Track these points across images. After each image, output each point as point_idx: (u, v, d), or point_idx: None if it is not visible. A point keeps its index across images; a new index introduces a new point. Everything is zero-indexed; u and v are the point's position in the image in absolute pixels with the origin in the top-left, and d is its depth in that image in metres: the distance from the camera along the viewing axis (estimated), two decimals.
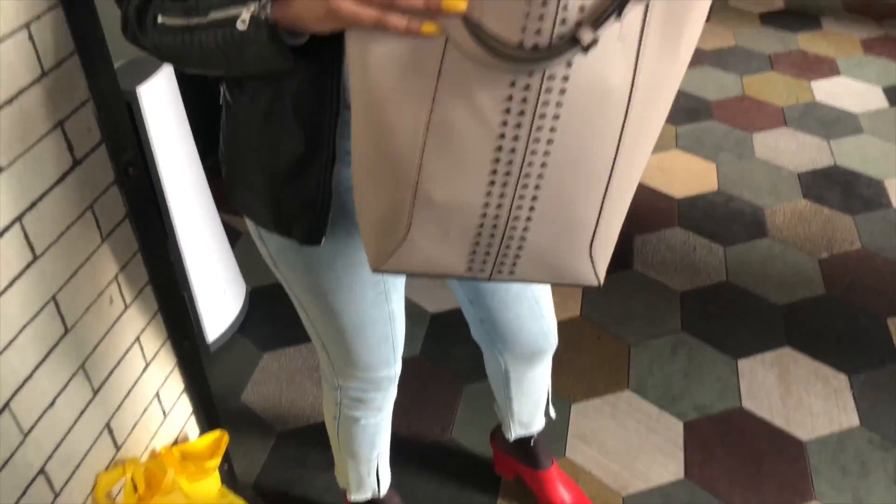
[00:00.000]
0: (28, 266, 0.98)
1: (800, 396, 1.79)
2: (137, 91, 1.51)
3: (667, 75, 0.66)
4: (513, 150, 0.67)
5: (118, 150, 1.11)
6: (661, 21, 0.62)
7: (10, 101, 0.91)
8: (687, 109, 2.93)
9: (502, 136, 0.66)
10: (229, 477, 1.57)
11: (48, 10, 0.95)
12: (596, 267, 0.78)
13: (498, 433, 1.56)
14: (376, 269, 0.78)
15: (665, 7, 0.62)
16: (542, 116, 0.65)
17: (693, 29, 0.64)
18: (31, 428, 1.03)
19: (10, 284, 0.96)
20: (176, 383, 1.40)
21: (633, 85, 0.64)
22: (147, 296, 1.26)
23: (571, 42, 0.60)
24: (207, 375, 1.47)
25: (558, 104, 0.64)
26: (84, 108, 1.04)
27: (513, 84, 0.63)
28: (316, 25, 0.65)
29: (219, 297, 1.90)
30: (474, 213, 0.71)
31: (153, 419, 1.34)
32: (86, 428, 1.15)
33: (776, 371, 1.85)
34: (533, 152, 0.67)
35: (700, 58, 3.30)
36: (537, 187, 0.69)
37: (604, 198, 0.72)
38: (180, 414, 1.43)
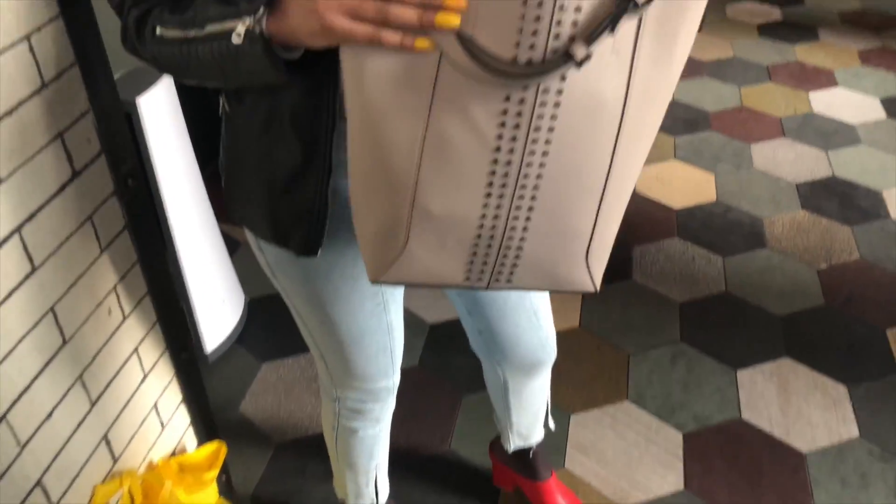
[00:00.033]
0: (27, 277, 0.98)
1: (799, 407, 1.79)
2: (137, 102, 1.51)
3: (661, 84, 0.67)
4: (508, 163, 0.67)
5: (118, 161, 1.11)
6: (654, 32, 0.63)
7: (9, 113, 0.92)
8: (685, 120, 2.94)
9: (498, 149, 0.66)
10: (227, 488, 1.56)
11: (49, 21, 0.95)
12: (592, 274, 0.78)
13: (497, 444, 1.56)
14: (375, 280, 0.78)
15: (658, 17, 0.62)
16: (538, 129, 0.65)
17: (686, 38, 0.65)
18: (29, 440, 1.03)
19: (9, 296, 0.96)
20: (174, 394, 1.39)
21: (627, 95, 0.65)
22: (146, 306, 1.26)
23: (565, 57, 0.60)
24: (206, 386, 1.46)
25: (553, 117, 0.64)
26: (84, 120, 1.05)
27: (507, 98, 0.63)
28: (310, 40, 0.66)
29: (217, 308, 1.90)
30: (471, 224, 0.72)
31: (151, 430, 1.33)
32: (83, 439, 1.15)
33: (775, 382, 1.85)
34: (528, 164, 0.67)
35: (698, 69, 3.31)
36: (533, 198, 0.70)
37: (599, 206, 0.72)
38: (178, 425, 1.43)
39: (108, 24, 0.95)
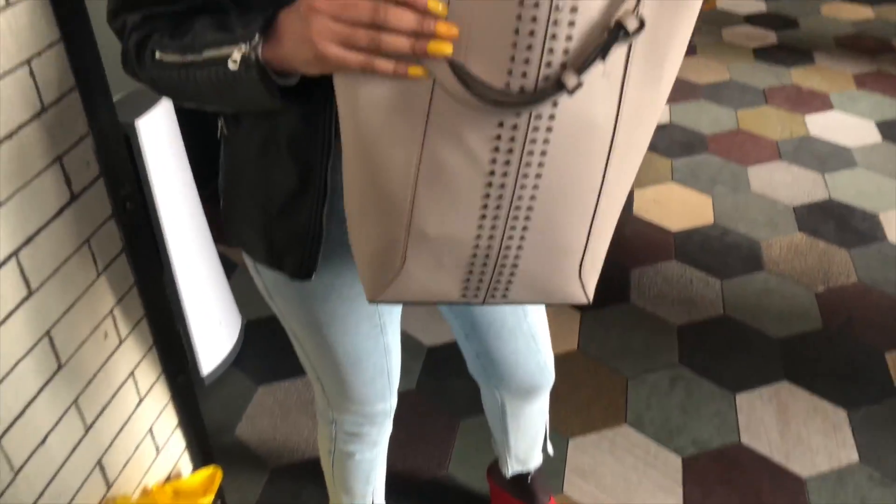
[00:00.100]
0: (23, 301, 0.98)
1: (799, 432, 1.78)
2: (136, 124, 1.52)
3: (650, 104, 0.68)
4: (502, 186, 0.68)
5: (116, 184, 1.12)
6: (643, 55, 0.63)
7: (9, 136, 0.92)
8: (682, 143, 2.96)
9: (492, 172, 0.67)
10: None
11: (49, 46, 0.96)
12: (585, 287, 0.80)
13: (495, 469, 1.54)
14: (373, 300, 0.78)
15: (648, 41, 0.63)
16: (531, 153, 0.66)
17: (675, 59, 0.66)
18: (22, 465, 1.02)
19: (5, 320, 0.95)
20: (170, 418, 1.38)
21: (617, 117, 0.66)
22: (142, 329, 1.25)
23: (557, 85, 0.61)
24: (201, 410, 1.45)
25: (545, 141, 0.65)
26: (83, 143, 1.05)
27: (501, 124, 0.64)
28: (305, 68, 0.66)
29: (214, 330, 1.89)
30: (467, 244, 0.73)
31: (146, 455, 1.32)
32: (77, 465, 1.14)
33: (774, 406, 1.84)
34: (522, 187, 0.68)
35: (695, 91, 3.34)
36: (527, 218, 0.71)
37: (591, 223, 0.74)
38: (173, 449, 1.42)
39: (108, 45, 0.95)
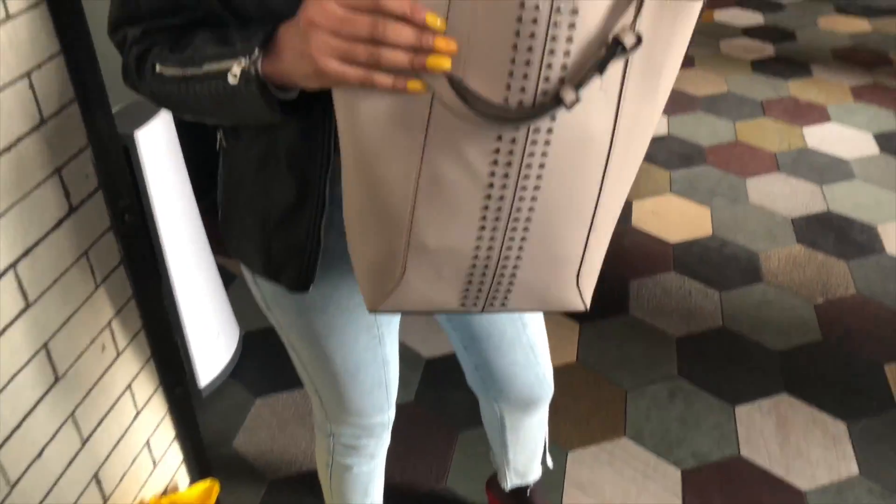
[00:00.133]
0: (20, 313, 0.98)
1: (798, 444, 1.77)
2: (135, 135, 1.52)
3: (646, 116, 0.69)
4: (501, 198, 0.69)
5: (115, 196, 1.12)
6: (640, 69, 0.64)
7: (8, 149, 0.92)
8: (681, 155, 2.96)
9: (491, 185, 0.68)
10: None
11: (49, 58, 0.96)
12: (583, 294, 0.81)
13: (494, 482, 1.54)
14: (373, 310, 0.79)
15: (644, 55, 0.63)
16: (529, 166, 0.67)
17: (671, 72, 0.66)
18: (18, 479, 1.01)
19: (2, 332, 0.95)
20: (167, 431, 1.38)
21: (614, 130, 0.67)
22: (140, 342, 1.25)
23: (555, 100, 0.61)
24: (199, 422, 1.45)
25: (544, 154, 0.66)
26: (82, 155, 1.05)
27: (499, 138, 0.65)
28: (304, 82, 0.67)
29: (212, 341, 1.89)
30: (466, 255, 0.73)
31: (142, 468, 1.32)
32: (74, 478, 1.13)
33: (774, 418, 1.84)
34: (521, 199, 0.69)
35: (693, 104, 3.35)
36: (526, 229, 0.72)
37: (588, 233, 0.75)
38: (171, 462, 1.41)
39: (108, 57, 0.96)
